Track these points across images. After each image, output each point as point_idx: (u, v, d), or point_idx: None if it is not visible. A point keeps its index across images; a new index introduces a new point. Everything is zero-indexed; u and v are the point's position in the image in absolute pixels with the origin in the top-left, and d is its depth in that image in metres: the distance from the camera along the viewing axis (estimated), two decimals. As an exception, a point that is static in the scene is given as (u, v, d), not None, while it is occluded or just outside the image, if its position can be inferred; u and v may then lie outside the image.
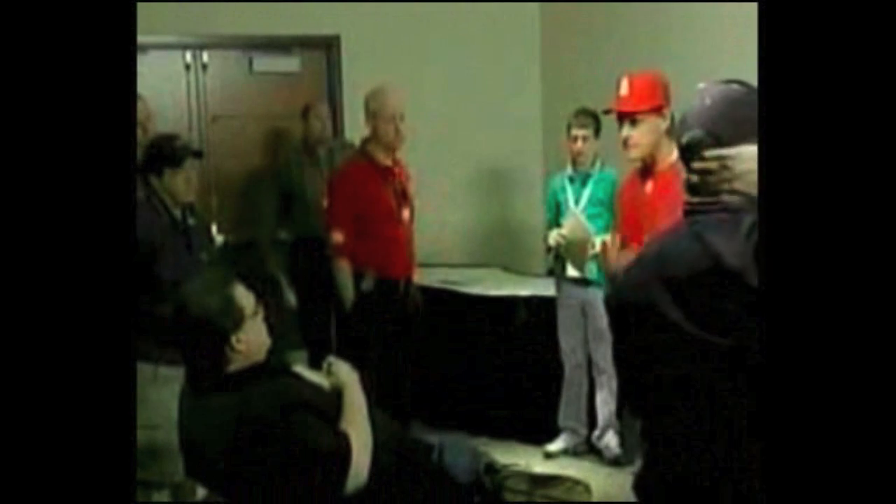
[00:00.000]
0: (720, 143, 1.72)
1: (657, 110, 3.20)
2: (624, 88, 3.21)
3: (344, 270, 4.24)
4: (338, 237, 4.22)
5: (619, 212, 3.52)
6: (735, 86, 1.78)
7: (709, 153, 1.73)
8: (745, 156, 1.68)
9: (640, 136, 3.18)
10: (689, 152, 1.78)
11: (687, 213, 1.79)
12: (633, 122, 3.18)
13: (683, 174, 3.05)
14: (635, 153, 3.23)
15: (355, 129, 5.52)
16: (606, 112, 3.35)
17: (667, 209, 3.04)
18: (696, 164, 1.75)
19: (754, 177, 1.62)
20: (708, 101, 1.76)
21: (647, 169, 3.27)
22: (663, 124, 3.20)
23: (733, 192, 1.73)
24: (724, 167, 1.71)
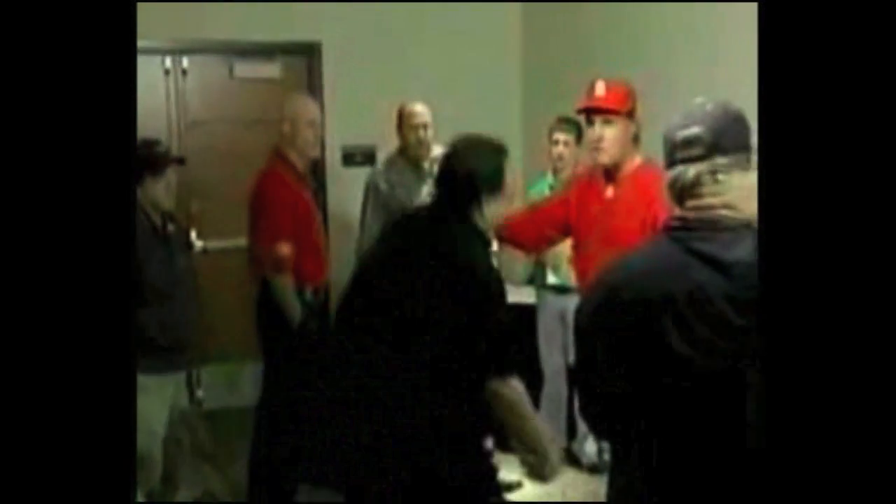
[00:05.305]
0: (718, 147, 1.74)
1: (630, 114, 3.22)
2: (600, 90, 3.21)
3: (288, 286, 3.97)
4: (284, 250, 3.92)
5: (572, 211, 3.44)
6: (733, 105, 1.81)
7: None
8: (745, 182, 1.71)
9: (614, 137, 3.18)
10: (682, 149, 1.77)
11: (674, 229, 1.77)
12: (607, 123, 3.19)
13: (653, 178, 3.00)
14: (606, 157, 3.22)
15: (336, 136, 5.51)
16: (580, 111, 3.33)
17: (627, 212, 3.16)
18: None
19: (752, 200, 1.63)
20: (710, 108, 1.78)
21: (610, 172, 3.28)
22: (633, 129, 3.23)
23: (726, 206, 1.74)
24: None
